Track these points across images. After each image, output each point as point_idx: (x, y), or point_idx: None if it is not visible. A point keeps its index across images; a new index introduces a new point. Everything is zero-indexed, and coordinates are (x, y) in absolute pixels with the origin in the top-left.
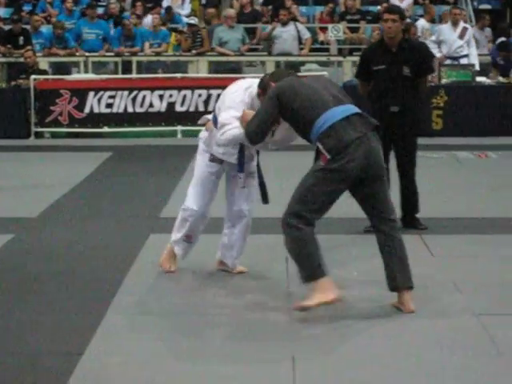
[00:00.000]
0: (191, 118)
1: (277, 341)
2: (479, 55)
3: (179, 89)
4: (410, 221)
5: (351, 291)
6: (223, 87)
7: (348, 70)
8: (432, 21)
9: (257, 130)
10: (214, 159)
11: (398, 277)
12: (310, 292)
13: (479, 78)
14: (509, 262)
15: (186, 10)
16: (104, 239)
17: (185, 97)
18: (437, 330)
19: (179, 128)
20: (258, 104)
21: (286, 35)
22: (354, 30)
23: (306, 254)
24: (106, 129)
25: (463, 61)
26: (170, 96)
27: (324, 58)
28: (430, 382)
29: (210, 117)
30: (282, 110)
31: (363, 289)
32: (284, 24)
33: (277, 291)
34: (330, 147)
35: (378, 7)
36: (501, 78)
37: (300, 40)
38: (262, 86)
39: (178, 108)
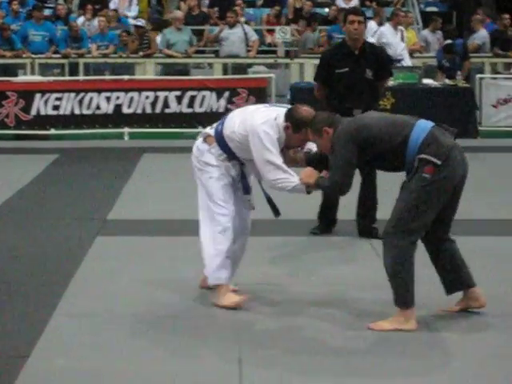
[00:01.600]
0: (138, 119)
1: (224, 341)
2: (429, 57)
3: (126, 91)
4: (367, 229)
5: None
6: (170, 89)
7: (295, 72)
8: (381, 23)
9: (346, 181)
10: (222, 159)
11: (466, 274)
12: (396, 316)
13: (425, 80)
14: None
15: (133, 11)
16: (50, 241)
17: (132, 99)
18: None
19: (126, 130)
20: (284, 137)
21: (234, 37)
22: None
23: (408, 279)
24: (52, 131)
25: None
26: (117, 98)
27: (271, 60)
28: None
29: (211, 132)
30: (365, 150)
31: (319, 290)
32: (231, 26)
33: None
34: (436, 153)
35: (326, 10)
36: (447, 80)
37: (247, 42)
38: (294, 122)
39: (125, 110)
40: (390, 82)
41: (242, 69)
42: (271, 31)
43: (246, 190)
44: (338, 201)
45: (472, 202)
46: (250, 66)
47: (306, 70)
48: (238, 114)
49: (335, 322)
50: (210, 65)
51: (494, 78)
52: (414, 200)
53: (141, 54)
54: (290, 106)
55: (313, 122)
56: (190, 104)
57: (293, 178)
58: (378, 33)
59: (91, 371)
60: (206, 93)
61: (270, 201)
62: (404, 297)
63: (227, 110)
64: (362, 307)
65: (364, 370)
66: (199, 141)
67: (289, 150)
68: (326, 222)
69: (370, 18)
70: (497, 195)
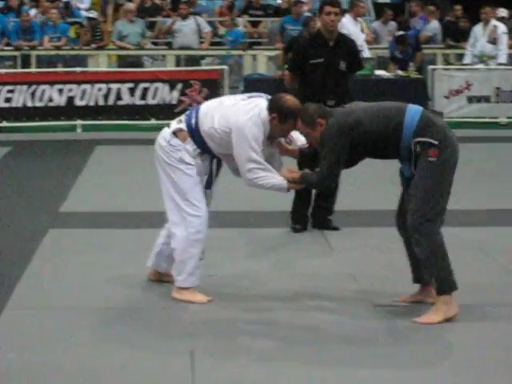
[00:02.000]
0: (91, 112)
1: (177, 334)
2: (380, 48)
3: (79, 83)
4: (322, 221)
5: (265, 285)
6: (123, 81)
7: (248, 63)
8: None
9: (334, 177)
10: (196, 154)
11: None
12: (438, 305)
13: (378, 72)
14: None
15: (85, 3)
16: (2, 234)
17: (84, 91)
18: (337, 321)
19: (79, 122)
20: (268, 129)
21: (187, 29)
22: (255, 25)
23: (447, 265)
24: (4, 123)
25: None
26: (70, 90)
27: (224, 52)
28: (333, 371)
29: (183, 126)
30: (359, 141)
31: (275, 283)
32: (184, 18)
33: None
34: (435, 135)
35: (279, 1)
36: (399, 72)
37: (200, 34)
38: (282, 112)
39: (78, 102)
40: None
41: (194, 60)
42: (224, 23)
43: (209, 184)
44: (311, 197)
45: None
46: (202, 57)
47: (259, 61)
48: (215, 108)
49: (292, 313)
50: (163, 56)
51: (447, 69)
52: (430, 186)
53: (93, 46)
54: (269, 97)
55: (304, 113)
56: (143, 96)
57: (273, 175)
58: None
59: (41, 365)
60: (159, 85)
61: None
62: (449, 281)
63: (180, 102)
64: (322, 299)
65: (330, 360)
66: (168, 135)
67: (281, 139)
68: (300, 218)
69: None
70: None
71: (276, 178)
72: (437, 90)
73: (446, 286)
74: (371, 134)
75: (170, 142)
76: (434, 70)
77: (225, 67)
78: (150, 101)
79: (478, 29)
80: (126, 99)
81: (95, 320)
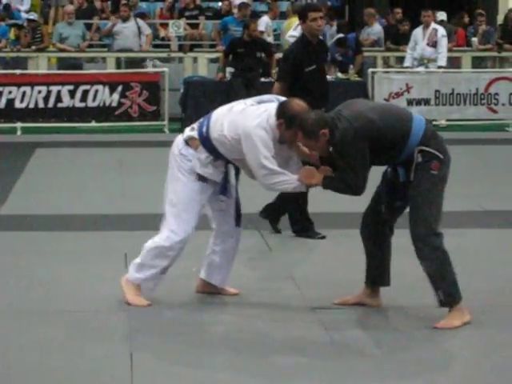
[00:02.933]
0: (31, 114)
1: (116, 336)
2: None
3: (18, 85)
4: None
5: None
6: (63, 83)
7: (189, 65)
8: (275, 18)
9: (364, 182)
10: (200, 178)
11: (389, 272)
12: (451, 314)
13: None
14: (345, 258)
15: (25, 5)
16: None
17: (24, 93)
18: (274, 326)
19: (19, 125)
20: (277, 135)
21: (127, 31)
22: (193, 26)
23: (453, 278)
24: None
25: None
26: (10, 93)
27: (165, 54)
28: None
29: (194, 134)
30: (373, 140)
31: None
32: (124, 20)
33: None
34: (439, 147)
35: (220, 4)
36: (339, 74)
37: (141, 36)
38: (287, 118)
39: (18, 105)
40: None
41: (135, 63)
42: (164, 25)
43: (223, 191)
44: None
45: None
46: (143, 60)
47: (200, 63)
48: (225, 115)
49: (237, 314)
50: (104, 59)
51: (387, 72)
52: (433, 199)
53: (33, 48)
54: (279, 100)
55: (304, 126)
56: (83, 98)
57: (290, 178)
58: (299, 28)
59: None
60: (99, 87)
61: (237, 204)
62: (457, 293)
63: (120, 104)
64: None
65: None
66: (180, 143)
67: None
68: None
69: (264, 13)
70: None
71: (293, 183)
72: (377, 93)
73: (457, 297)
74: (383, 134)
75: (181, 151)
76: (374, 72)
77: (165, 69)
78: (90, 103)
79: (418, 32)
80: (66, 101)
81: (32, 323)
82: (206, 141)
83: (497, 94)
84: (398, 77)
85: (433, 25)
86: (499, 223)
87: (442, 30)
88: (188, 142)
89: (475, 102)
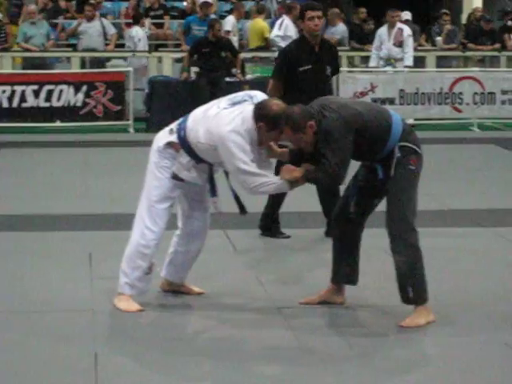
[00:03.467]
0: None
1: (81, 337)
2: None
3: None
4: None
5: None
6: (28, 83)
7: (153, 65)
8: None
9: (345, 172)
10: (176, 177)
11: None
12: (417, 312)
13: None
14: (310, 256)
15: None
16: None
17: None
18: (241, 323)
19: None
20: (255, 138)
21: (92, 31)
22: (158, 26)
23: (423, 276)
24: None
25: None
26: None
27: (129, 54)
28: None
29: (174, 139)
30: (359, 133)
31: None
32: (89, 20)
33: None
34: (416, 142)
35: (184, 3)
36: None
37: (105, 36)
38: (269, 121)
39: None
40: (248, 76)
41: (99, 62)
42: (129, 24)
43: (214, 192)
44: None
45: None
46: (108, 59)
47: (164, 63)
48: (199, 122)
49: (204, 317)
50: (68, 59)
51: (351, 72)
52: (409, 196)
53: None
54: (252, 98)
55: (290, 119)
56: (48, 98)
57: (271, 179)
58: (284, 26)
59: None
60: (64, 87)
61: (237, 198)
62: (424, 292)
63: (85, 104)
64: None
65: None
66: (161, 142)
67: (271, 143)
68: (269, 222)
69: (229, 12)
70: None
71: (275, 182)
72: (342, 92)
73: (425, 296)
74: (369, 128)
75: (159, 148)
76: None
77: (130, 69)
78: (55, 103)
79: (383, 31)
80: (31, 101)
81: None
82: (185, 145)
83: (461, 93)
84: (363, 76)
85: (398, 24)
86: (464, 222)
87: (407, 30)
88: (169, 144)
89: (440, 102)
